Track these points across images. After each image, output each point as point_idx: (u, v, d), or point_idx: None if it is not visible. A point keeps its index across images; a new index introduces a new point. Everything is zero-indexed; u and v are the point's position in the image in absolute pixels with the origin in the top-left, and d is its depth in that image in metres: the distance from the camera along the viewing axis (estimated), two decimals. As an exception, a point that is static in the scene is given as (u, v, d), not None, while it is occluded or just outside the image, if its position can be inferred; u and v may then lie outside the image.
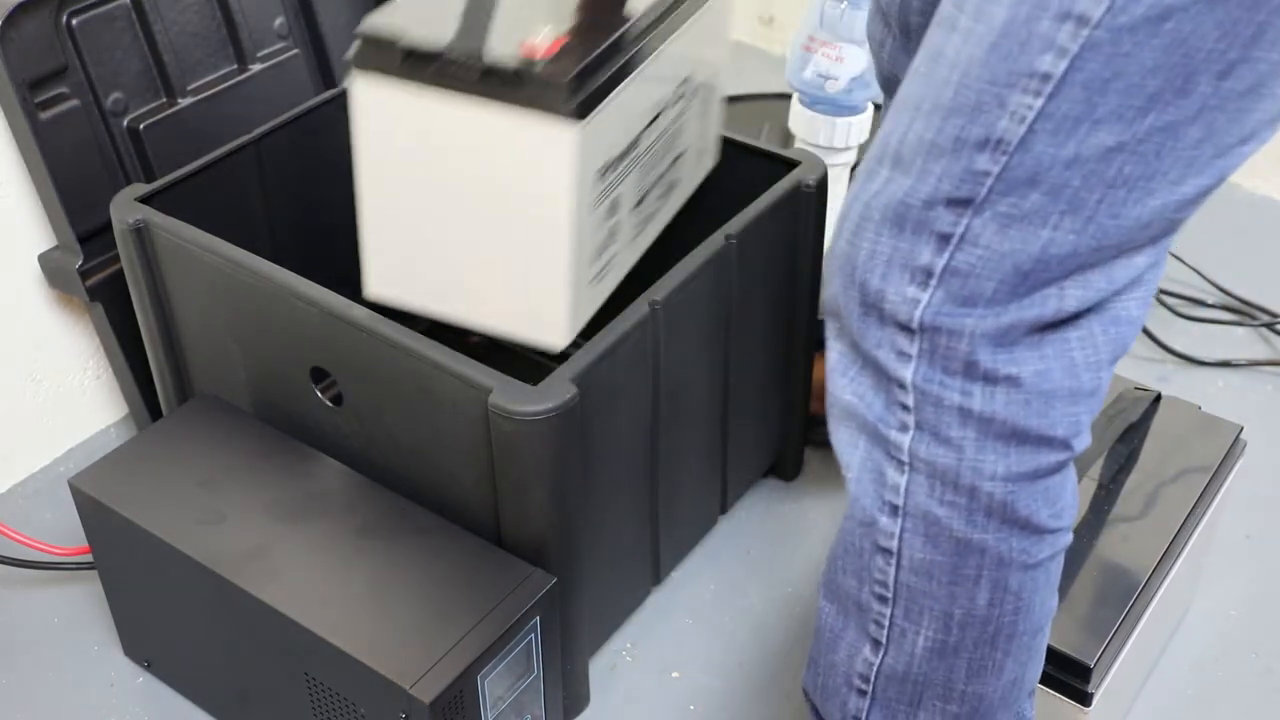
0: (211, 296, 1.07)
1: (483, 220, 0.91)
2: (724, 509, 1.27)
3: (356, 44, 0.89)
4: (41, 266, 1.24)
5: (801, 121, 1.45)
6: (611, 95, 0.90)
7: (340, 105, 1.17)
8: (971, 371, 0.70)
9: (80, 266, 1.20)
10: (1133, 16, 0.62)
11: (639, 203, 1.03)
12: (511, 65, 0.86)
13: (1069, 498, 0.76)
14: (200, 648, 1.04)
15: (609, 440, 1.00)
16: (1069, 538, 0.77)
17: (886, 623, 0.79)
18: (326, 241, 1.21)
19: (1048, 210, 0.66)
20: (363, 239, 0.98)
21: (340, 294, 1.00)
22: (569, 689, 1.06)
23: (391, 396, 0.99)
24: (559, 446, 0.92)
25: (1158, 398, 1.15)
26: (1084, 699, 0.94)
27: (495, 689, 0.92)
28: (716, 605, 1.21)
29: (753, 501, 1.31)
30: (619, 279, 1.04)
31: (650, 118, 1.00)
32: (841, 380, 0.76)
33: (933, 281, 0.69)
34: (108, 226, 1.12)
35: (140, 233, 1.07)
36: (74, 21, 1.16)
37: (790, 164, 1.16)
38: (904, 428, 0.73)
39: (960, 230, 0.68)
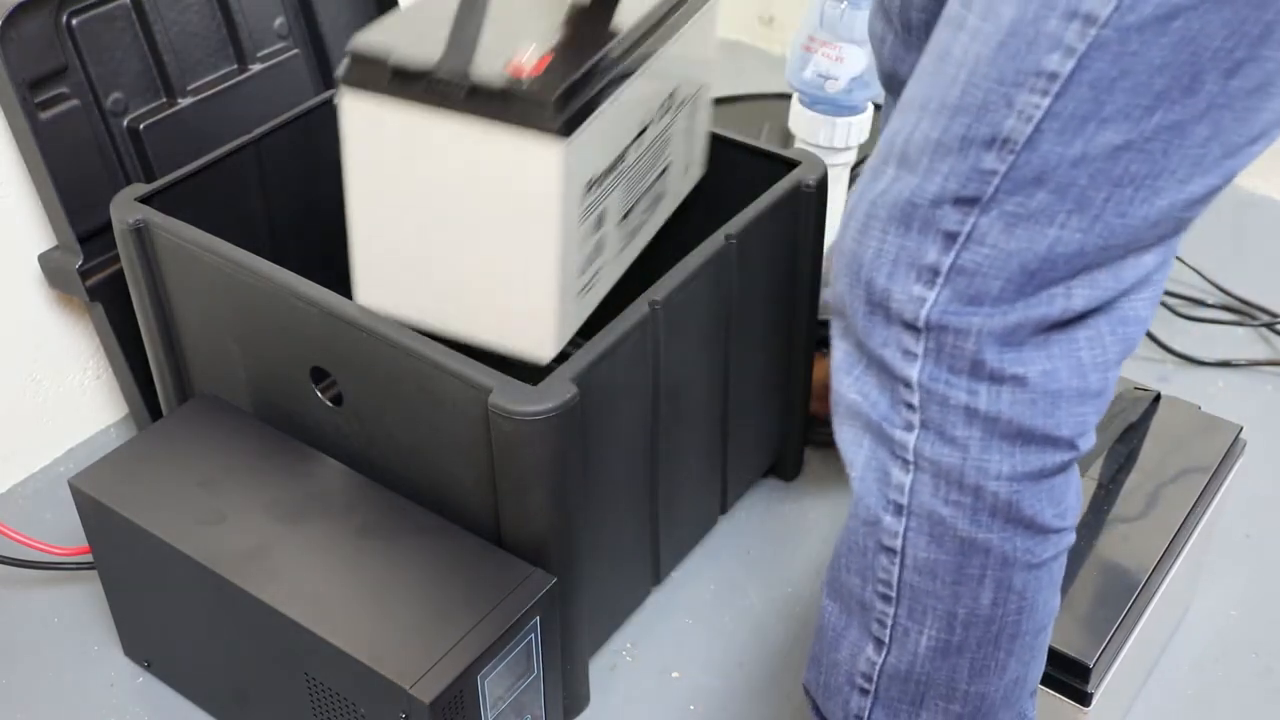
0: (211, 296, 1.07)
1: (470, 235, 0.92)
2: (724, 509, 1.27)
3: (345, 61, 0.90)
4: (41, 266, 1.24)
5: (801, 121, 1.45)
6: (597, 112, 0.91)
7: (340, 105, 1.17)
8: (978, 371, 0.70)
9: (80, 266, 1.20)
10: (1140, 15, 0.62)
11: (625, 215, 1.04)
12: (498, 83, 0.87)
13: (1073, 497, 0.76)
14: (200, 648, 1.04)
15: (609, 440, 1.00)
16: (1072, 537, 0.77)
17: (889, 622, 0.79)
18: (326, 241, 1.21)
19: (1055, 209, 0.66)
20: (352, 251, 0.99)
21: (340, 294, 1.00)
22: (569, 689, 1.07)
23: (391, 396, 0.99)
24: (559, 446, 0.92)
25: (1158, 398, 1.15)
26: (1084, 699, 0.94)
27: (495, 689, 0.92)
28: (716, 605, 1.21)
29: (753, 501, 1.31)
30: (606, 291, 1.06)
31: (636, 132, 1.01)
32: (846, 379, 0.76)
33: (939, 280, 0.69)
34: (108, 226, 1.12)
35: (140, 233, 1.07)
36: (74, 21, 1.16)
37: (790, 164, 1.16)
38: (909, 427, 0.73)
39: (967, 229, 0.68)
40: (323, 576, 0.95)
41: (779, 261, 1.16)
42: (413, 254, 0.96)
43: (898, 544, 0.76)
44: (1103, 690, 0.95)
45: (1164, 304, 1.56)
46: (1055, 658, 0.93)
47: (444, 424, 0.97)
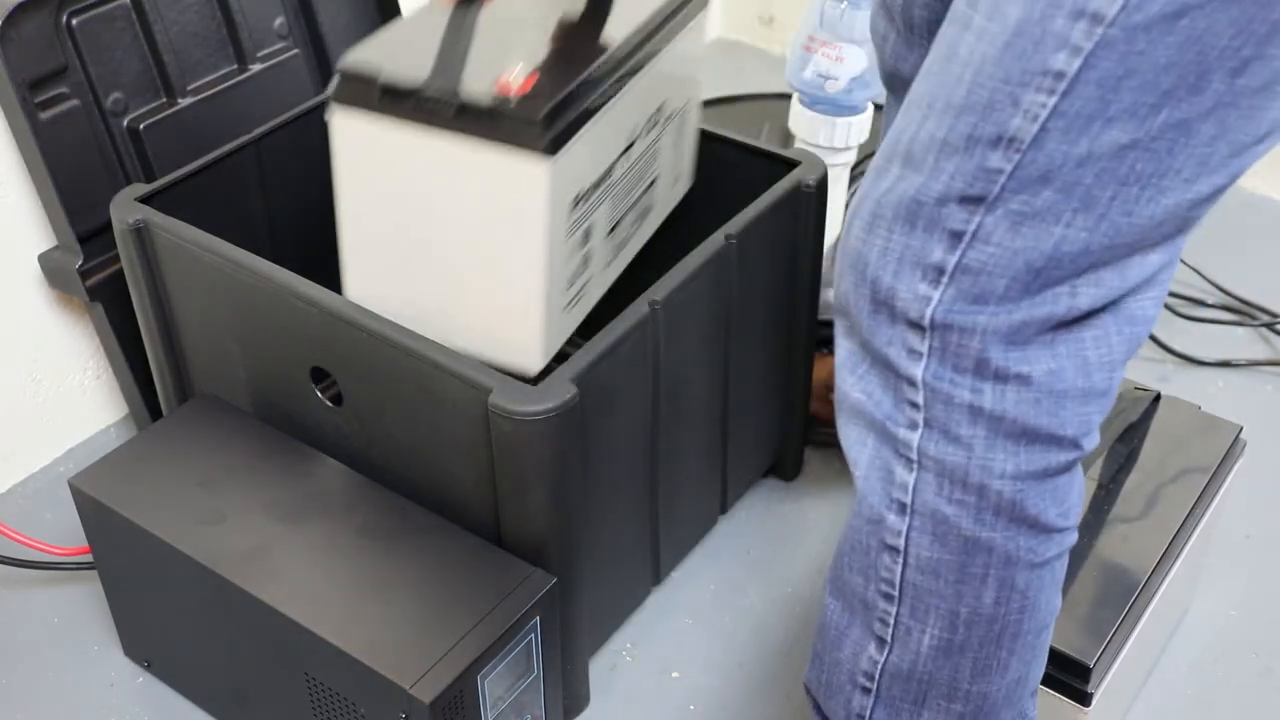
0: (211, 296, 1.07)
1: (458, 250, 0.94)
2: (724, 509, 1.27)
3: (336, 79, 0.91)
4: (41, 266, 1.24)
5: (801, 121, 1.45)
6: (583, 130, 0.92)
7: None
8: (982, 369, 0.70)
9: (80, 266, 1.20)
10: (1147, 14, 0.62)
11: (613, 229, 1.05)
12: (486, 102, 0.88)
13: (1076, 497, 0.76)
14: (200, 648, 1.04)
15: (609, 440, 1.00)
16: (1075, 536, 0.77)
17: (892, 621, 0.79)
18: (326, 241, 1.21)
19: (1060, 208, 0.66)
20: (343, 262, 1.00)
21: (340, 294, 1.00)
22: (569, 689, 1.06)
23: (391, 396, 0.99)
24: (559, 446, 0.92)
25: (1158, 398, 1.15)
26: (1084, 699, 0.94)
27: (495, 689, 0.92)
28: (716, 605, 1.21)
29: (753, 501, 1.31)
30: (594, 303, 1.07)
31: (623, 146, 1.02)
32: (850, 378, 0.76)
33: (944, 279, 0.69)
34: (108, 226, 1.12)
35: (140, 233, 1.07)
36: (74, 21, 1.16)
37: (790, 164, 1.16)
38: (913, 425, 0.73)
39: (972, 228, 0.68)
40: (323, 576, 0.95)
41: (779, 261, 1.16)
42: (401, 266, 0.97)
43: (901, 543, 0.76)
44: (1103, 690, 0.95)
45: (1164, 304, 1.56)
46: (1055, 658, 0.93)
47: (444, 424, 0.97)
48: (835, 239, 1.40)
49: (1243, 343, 1.53)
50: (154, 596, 1.04)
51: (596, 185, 0.99)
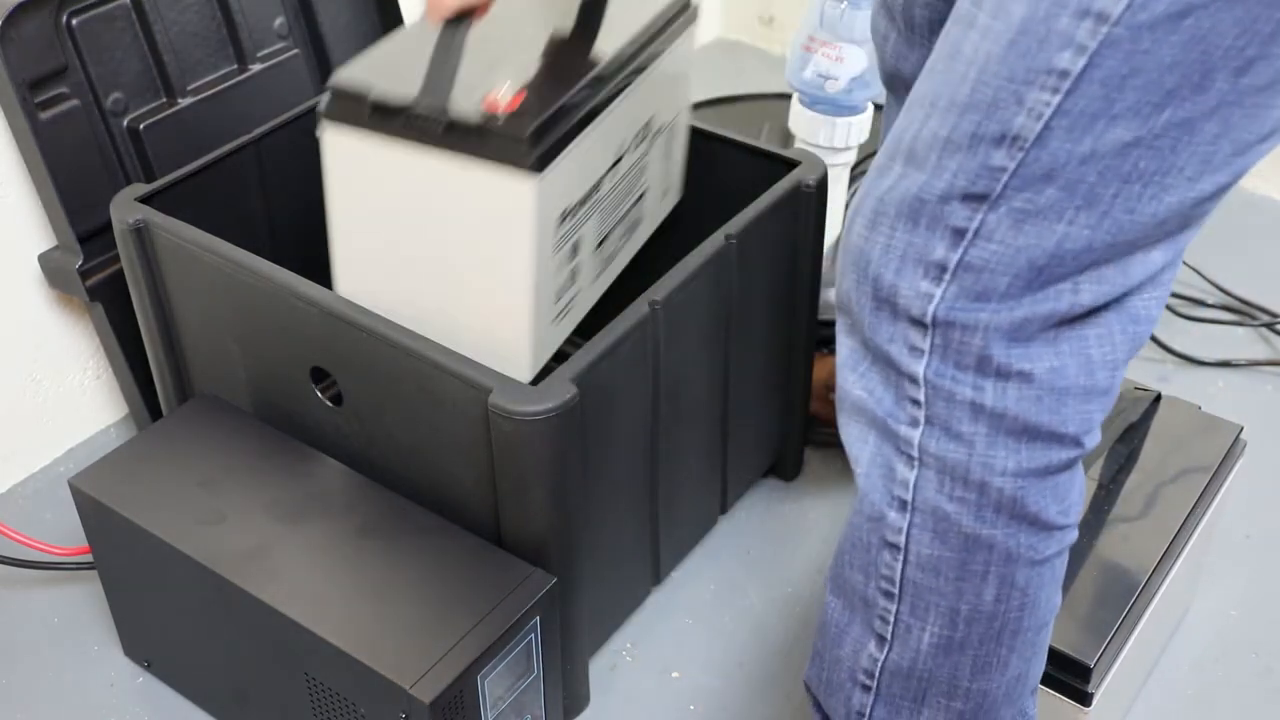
0: (211, 296, 1.07)
1: (447, 263, 0.95)
2: (724, 509, 1.27)
3: (327, 96, 0.93)
4: (41, 266, 1.24)
5: (801, 121, 1.45)
6: (570, 146, 0.94)
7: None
8: (984, 366, 0.70)
9: (80, 266, 1.20)
10: (1152, 14, 0.62)
11: (601, 243, 1.06)
12: (474, 120, 0.90)
13: (1077, 495, 0.76)
14: (200, 648, 1.04)
15: (609, 440, 1.00)
16: (1075, 534, 0.77)
17: (892, 618, 0.79)
18: (326, 241, 1.21)
19: (1063, 205, 0.67)
20: (334, 274, 1.01)
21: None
22: (569, 689, 1.06)
23: (391, 396, 0.99)
24: (559, 446, 0.92)
25: (1158, 398, 1.15)
26: (1084, 699, 0.94)
27: (495, 689, 0.92)
28: (716, 605, 1.21)
29: (753, 501, 1.31)
30: (582, 315, 1.08)
31: (611, 161, 1.03)
32: (851, 376, 0.76)
33: (946, 276, 0.69)
34: (108, 226, 1.12)
35: (140, 233, 1.07)
36: (74, 21, 1.16)
37: (790, 164, 1.16)
38: (914, 423, 0.73)
39: (975, 225, 0.68)
40: (323, 576, 0.95)
41: (779, 261, 1.16)
42: (391, 279, 0.98)
43: (901, 540, 0.76)
44: (1103, 690, 0.95)
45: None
46: (1056, 658, 0.93)
47: (444, 424, 0.97)
48: (835, 239, 1.40)
49: (1243, 343, 1.53)
50: (154, 596, 1.04)
51: (584, 200, 1.00)
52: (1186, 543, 1.04)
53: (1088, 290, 0.69)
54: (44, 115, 1.14)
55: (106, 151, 1.20)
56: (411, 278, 0.97)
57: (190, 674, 1.09)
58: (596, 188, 1.02)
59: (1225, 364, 1.49)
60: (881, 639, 0.80)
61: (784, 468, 1.32)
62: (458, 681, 0.88)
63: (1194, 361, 1.49)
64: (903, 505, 0.75)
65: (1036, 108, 0.65)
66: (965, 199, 0.68)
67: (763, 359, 1.19)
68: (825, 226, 1.18)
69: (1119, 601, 0.97)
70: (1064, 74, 0.64)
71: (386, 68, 0.95)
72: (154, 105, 1.24)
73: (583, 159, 0.97)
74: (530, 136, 0.89)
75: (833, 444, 1.35)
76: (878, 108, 1.46)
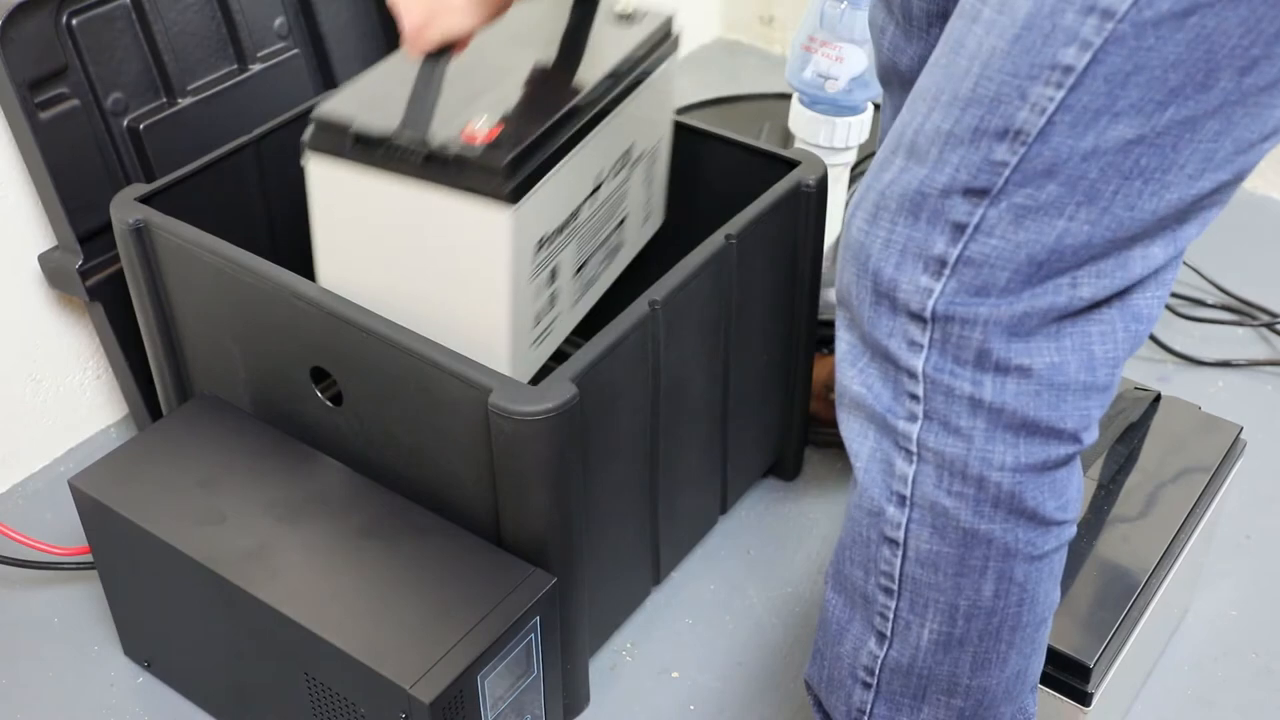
0: (211, 296, 1.07)
1: (426, 289, 0.97)
2: (724, 509, 1.27)
3: (311, 127, 0.96)
4: (41, 266, 1.24)
5: (801, 121, 1.45)
6: (547, 176, 0.96)
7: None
8: (983, 361, 0.70)
9: (80, 266, 1.20)
10: (1158, 11, 0.62)
11: (580, 269, 1.09)
12: (452, 151, 0.92)
13: (1075, 490, 0.76)
14: (200, 648, 1.04)
15: (609, 440, 1.00)
16: (1074, 530, 0.77)
17: (891, 615, 0.79)
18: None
19: (1064, 201, 0.67)
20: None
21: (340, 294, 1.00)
22: (569, 689, 1.06)
23: (391, 396, 0.99)
24: (559, 446, 0.92)
25: (1158, 398, 1.15)
26: (1084, 699, 0.94)
27: (495, 689, 0.92)
28: (716, 605, 1.21)
29: (753, 501, 1.31)
30: (562, 338, 1.11)
31: (590, 189, 1.05)
32: (850, 371, 0.76)
33: (946, 271, 0.69)
34: (108, 226, 1.12)
35: (140, 233, 1.07)
36: (74, 21, 1.16)
37: (790, 164, 1.16)
38: (912, 418, 0.73)
39: (975, 220, 0.68)
40: (323, 576, 0.95)
41: (779, 261, 1.16)
42: (373, 303, 0.99)
43: (900, 535, 0.76)
44: (1103, 690, 0.95)
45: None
46: (1055, 658, 0.93)
47: (444, 424, 0.97)
48: (835, 239, 1.40)
49: (1243, 343, 1.53)
50: (154, 596, 1.04)
51: (562, 228, 1.03)
52: (1186, 543, 1.04)
53: (1087, 285, 0.69)
54: (44, 115, 1.14)
55: (106, 151, 1.20)
56: (392, 302, 0.99)
57: (190, 674, 1.09)
58: (575, 215, 1.04)
59: (1225, 364, 1.49)
60: (881, 636, 0.80)
61: (784, 468, 1.32)
62: (458, 681, 0.88)
63: (1194, 361, 1.49)
64: (901, 500, 0.75)
65: (1040, 103, 0.65)
66: (966, 194, 0.68)
67: (763, 359, 1.19)
68: (825, 226, 1.18)
69: (1119, 601, 0.97)
70: (1068, 69, 0.64)
71: (369, 99, 0.98)
72: (154, 105, 1.24)
73: (560, 188, 1.00)
74: (506, 167, 0.92)
75: (833, 444, 1.35)
76: (877, 108, 1.46)
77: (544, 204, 0.98)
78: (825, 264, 1.22)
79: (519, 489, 0.95)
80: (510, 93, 1.01)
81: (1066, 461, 0.74)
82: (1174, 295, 1.57)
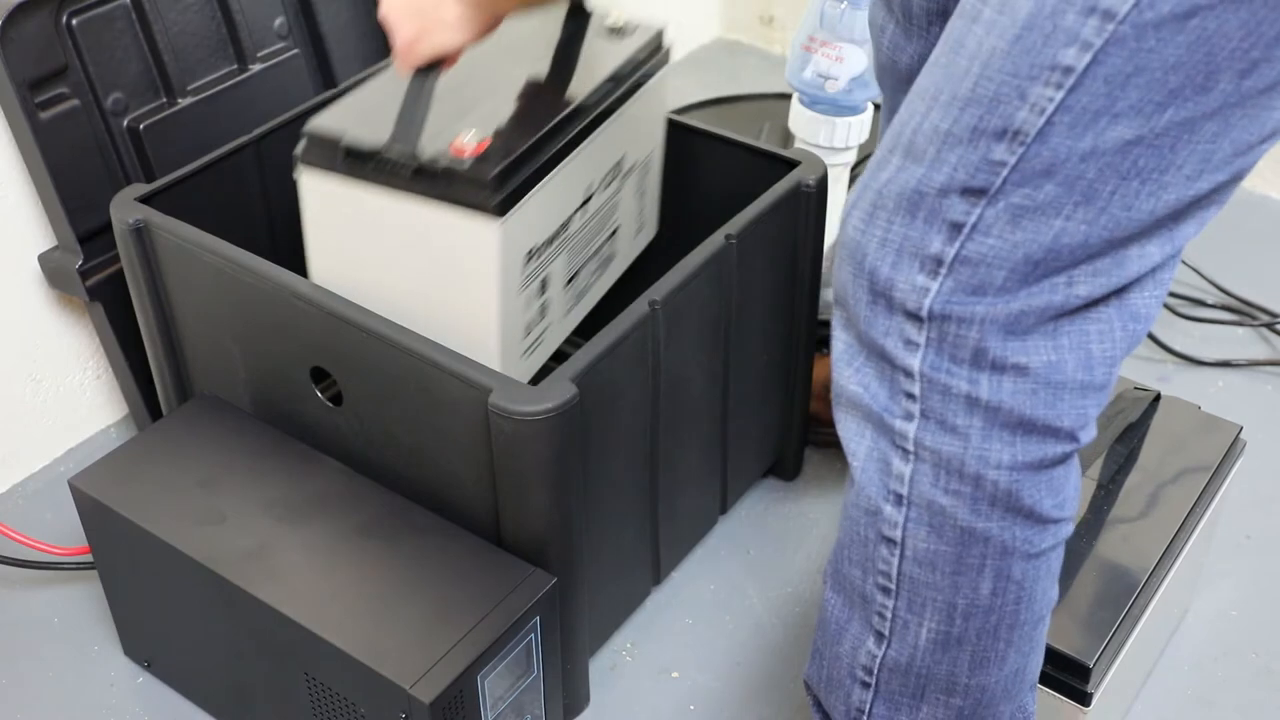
0: (211, 296, 1.07)
1: (417, 300, 0.98)
2: (724, 509, 1.27)
3: (303, 141, 0.97)
4: (41, 266, 1.24)
5: (801, 121, 1.45)
6: (535, 189, 0.97)
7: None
8: (979, 359, 0.70)
9: (80, 266, 1.20)
10: (1159, 13, 0.62)
11: (571, 279, 1.10)
12: (440, 165, 0.93)
13: (1072, 489, 0.76)
14: (200, 648, 1.04)
15: (609, 440, 1.00)
16: (1071, 528, 0.78)
17: (889, 615, 0.79)
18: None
19: (1061, 201, 0.67)
20: None
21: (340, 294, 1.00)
22: (569, 689, 1.06)
23: (391, 396, 0.99)
24: (559, 446, 0.92)
25: (1157, 398, 1.15)
26: (1084, 699, 0.94)
27: (495, 689, 0.92)
28: (716, 605, 1.21)
29: (753, 501, 1.31)
30: (554, 348, 1.11)
31: (580, 201, 1.06)
32: (847, 370, 0.76)
33: (943, 270, 0.69)
34: (108, 226, 1.12)
35: (140, 233, 1.07)
36: (74, 21, 1.16)
37: (790, 164, 1.16)
38: (909, 416, 0.73)
39: (973, 219, 0.68)
40: (323, 576, 0.95)
41: (779, 261, 1.16)
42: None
43: (898, 534, 0.76)
44: (1103, 690, 0.95)
45: (1164, 304, 1.56)
46: (1055, 658, 0.93)
47: (444, 424, 0.97)
48: (836, 239, 1.40)
49: (1243, 343, 1.53)
50: (154, 596, 1.04)
51: (551, 240, 1.04)
52: (1186, 543, 1.04)
53: (1083, 283, 0.69)
54: (44, 115, 1.14)
55: (106, 151, 1.20)
56: (384, 312, 0.99)
57: (190, 674, 1.09)
58: (565, 227, 1.05)
59: (1225, 364, 1.49)
60: (880, 635, 0.80)
61: (784, 468, 1.32)
62: (458, 681, 0.88)
63: (1194, 361, 1.49)
64: (899, 499, 0.75)
65: (1039, 103, 0.65)
66: (964, 193, 0.68)
67: (763, 359, 1.19)
68: (825, 226, 1.18)
69: (1119, 601, 0.97)
70: (1068, 70, 0.64)
71: (360, 114, 0.99)
72: (154, 105, 1.24)
73: (549, 200, 1.01)
74: (493, 180, 0.93)
75: (833, 444, 1.35)
76: (877, 108, 1.46)
77: (533, 216, 0.99)
78: (825, 264, 1.22)
79: (519, 489, 0.95)
80: (500, 106, 1.02)
81: (1064, 460, 0.74)
82: (1174, 295, 1.57)
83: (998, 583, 0.76)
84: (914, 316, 0.71)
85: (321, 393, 1.05)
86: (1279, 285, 1.59)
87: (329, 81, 1.37)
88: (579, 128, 1.03)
